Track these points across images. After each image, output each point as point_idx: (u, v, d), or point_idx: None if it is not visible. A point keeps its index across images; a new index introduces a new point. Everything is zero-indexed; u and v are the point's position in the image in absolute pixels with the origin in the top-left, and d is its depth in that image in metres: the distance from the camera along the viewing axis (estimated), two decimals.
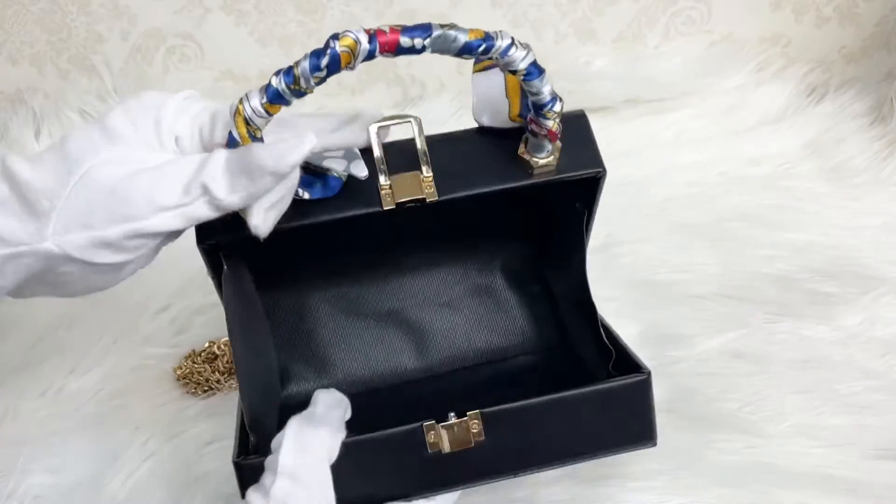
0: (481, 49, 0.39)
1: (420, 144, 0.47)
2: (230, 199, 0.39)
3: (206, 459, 0.61)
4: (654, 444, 0.49)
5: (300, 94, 0.38)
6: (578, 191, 0.51)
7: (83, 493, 0.59)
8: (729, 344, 0.67)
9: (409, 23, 0.38)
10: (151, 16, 0.91)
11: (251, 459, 0.46)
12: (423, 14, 0.89)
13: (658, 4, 0.94)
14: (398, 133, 0.48)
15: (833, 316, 0.69)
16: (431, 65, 0.94)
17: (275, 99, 0.38)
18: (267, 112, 0.39)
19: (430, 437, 0.46)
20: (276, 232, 0.42)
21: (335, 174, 0.45)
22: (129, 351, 0.70)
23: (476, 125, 0.49)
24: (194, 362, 0.69)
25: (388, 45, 0.37)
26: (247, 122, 0.39)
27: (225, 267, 0.48)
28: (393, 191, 0.46)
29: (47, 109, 0.94)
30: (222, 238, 0.45)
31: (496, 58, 0.39)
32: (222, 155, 0.40)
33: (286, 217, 0.43)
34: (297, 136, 0.38)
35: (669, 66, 0.96)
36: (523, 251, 0.64)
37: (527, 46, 0.40)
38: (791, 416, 0.61)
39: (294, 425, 0.44)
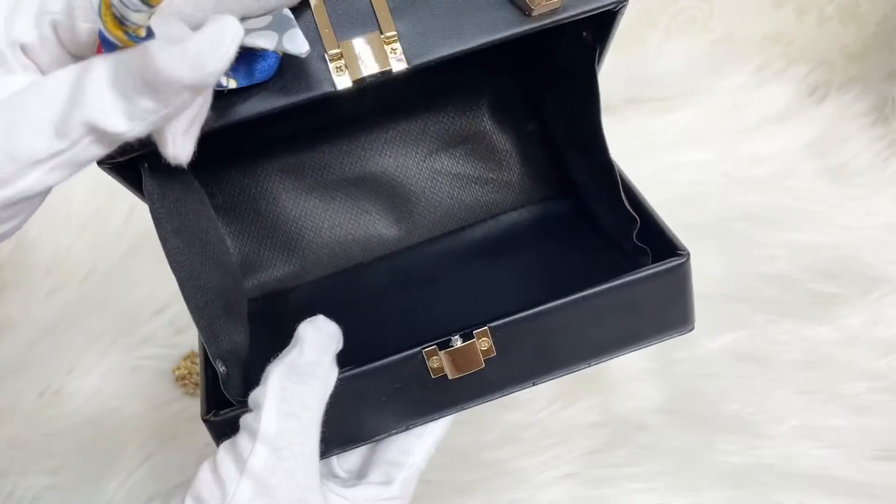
0: None
1: (386, 29, 0.35)
2: (133, 129, 0.27)
3: (206, 459, 0.61)
4: (692, 328, 0.42)
5: None
6: (587, 24, 0.42)
7: (82, 494, 0.59)
8: (731, 344, 0.67)
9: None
10: None
11: (225, 413, 0.37)
12: None
13: (659, 3, 0.93)
14: None
15: (835, 316, 0.68)
16: None
17: None
18: (147, 3, 0.25)
19: (433, 363, 0.39)
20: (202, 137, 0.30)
21: (264, 52, 0.33)
22: (128, 351, 0.70)
23: None
24: (193, 363, 0.68)
25: None
26: (119, 21, 0.26)
27: (145, 175, 0.37)
28: (346, 63, 0.34)
29: None
30: (135, 150, 0.33)
31: None
32: (102, 66, 0.26)
33: (210, 117, 0.32)
34: (214, 24, 0.25)
35: (671, 65, 0.95)
36: (514, 85, 0.52)
37: None
38: (793, 417, 0.61)
39: (276, 380, 0.34)
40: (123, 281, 0.74)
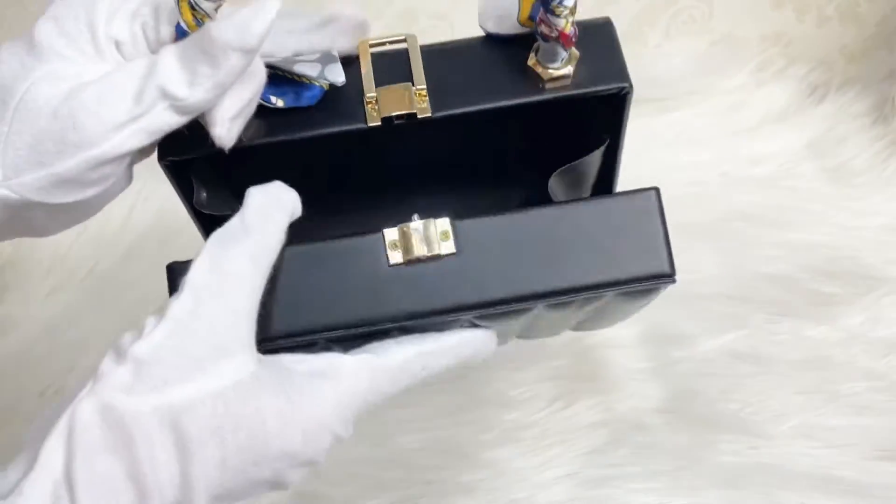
0: None
1: (414, 56, 0.41)
2: (194, 94, 0.33)
3: None
4: (672, 277, 0.39)
5: None
6: (601, 114, 0.43)
7: None
8: (730, 344, 0.67)
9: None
10: None
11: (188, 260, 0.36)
12: (423, 13, 0.89)
13: (659, 3, 0.93)
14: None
15: (835, 316, 0.68)
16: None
17: None
18: None
19: (390, 243, 0.38)
20: (245, 150, 0.36)
21: (310, 81, 0.39)
22: None
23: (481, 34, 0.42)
24: None
25: None
26: (192, 7, 0.34)
27: (203, 192, 0.42)
28: (379, 104, 0.39)
29: None
30: (189, 153, 0.38)
31: None
32: (173, 48, 0.34)
33: (255, 130, 0.38)
34: (257, 1, 0.32)
35: (670, 65, 0.95)
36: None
37: None
38: (793, 416, 0.61)
39: (211, 240, 0.34)
40: (123, 281, 0.74)
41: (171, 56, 0.34)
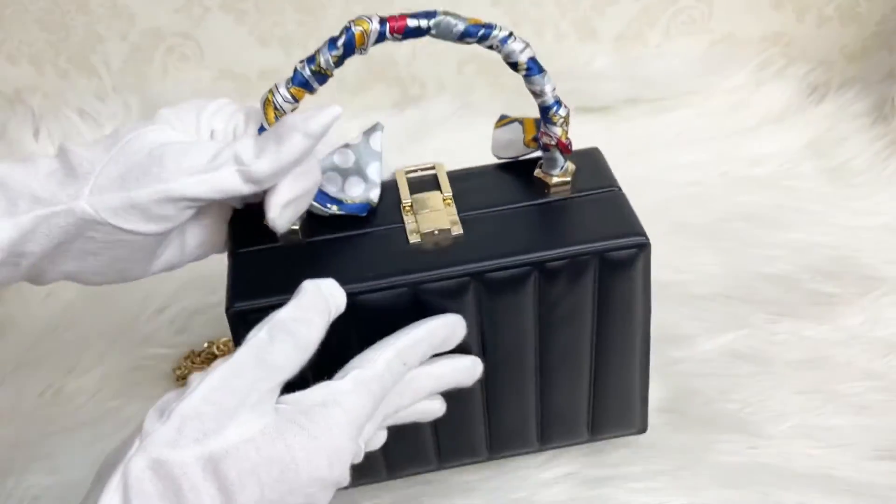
0: (480, 34, 0.42)
1: (441, 175, 0.50)
2: (258, 164, 0.40)
3: None
4: (645, 241, 0.46)
5: (322, 77, 0.43)
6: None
7: (82, 494, 0.59)
8: (730, 344, 0.67)
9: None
10: (150, 15, 0.90)
11: (248, 303, 0.43)
12: None
13: (659, 3, 0.93)
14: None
15: (834, 316, 0.68)
16: (431, 64, 0.94)
17: (301, 84, 0.43)
18: (294, 98, 0.43)
19: (407, 212, 0.47)
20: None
21: (354, 201, 0.48)
22: (128, 351, 0.70)
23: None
24: (193, 363, 0.68)
25: (397, 27, 0.41)
26: (275, 108, 0.43)
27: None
28: (414, 207, 0.48)
29: (46, 109, 0.94)
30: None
31: (496, 46, 0.42)
32: (252, 133, 0.43)
33: (311, 228, 0.46)
34: (324, 107, 0.41)
35: (670, 65, 0.96)
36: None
37: (525, 43, 0.43)
38: (792, 416, 0.61)
39: (265, 326, 0.39)
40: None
41: (249, 137, 0.42)
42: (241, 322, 0.43)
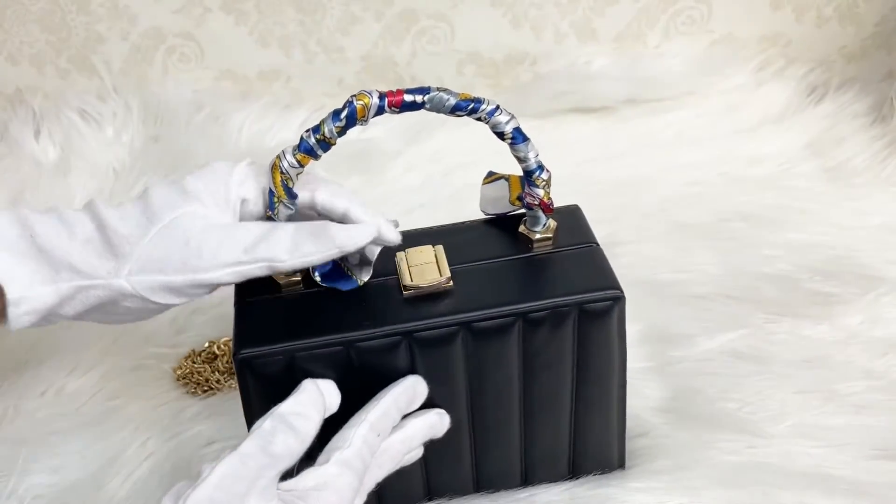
0: (469, 108, 0.45)
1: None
2: (289, 262, 0.45)
3: (206, 459, 0.60)
4: (620, 295, 0.49)
5: (326, 145, 0.45)
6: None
7: (83, 493, 0.59)
8: (729, 344, 0.67)
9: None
10: (151, 15, 0.91)
11: (254, 349, 0.46)
12: (423, 14, 0.89)
13: (658, 4, 0.94)
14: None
15: (833, 316, 0.69)
16: (431, 64, 0.94)
17: (306, 151, 0.45)
18: (299, 163, 0.46)
19: (401, 267, 0.49)
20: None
21: (352, 276, 0.50)
22: (129, 351, 0.70)
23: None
24: (194, 362, 0.68)
25: (395, 101, 0.44)
26: (282, 172, 0.46)
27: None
28: (407, 258, 0.50)
29: (47, 109, 0.94)
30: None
31: (484, 118, 0.45)
32: (290, 227, 0.46)
33: (311, 279, 0.49)
34: (367, 222, 0.47)
35: (670, 65, 0.96)
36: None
37: (511, 115, 0.46)
38: (791, 416, 0.61)
39: (270, 417, 0.42)
40: None
41: (285, 232, 0.45)
42: (248, 367, 0.47)
